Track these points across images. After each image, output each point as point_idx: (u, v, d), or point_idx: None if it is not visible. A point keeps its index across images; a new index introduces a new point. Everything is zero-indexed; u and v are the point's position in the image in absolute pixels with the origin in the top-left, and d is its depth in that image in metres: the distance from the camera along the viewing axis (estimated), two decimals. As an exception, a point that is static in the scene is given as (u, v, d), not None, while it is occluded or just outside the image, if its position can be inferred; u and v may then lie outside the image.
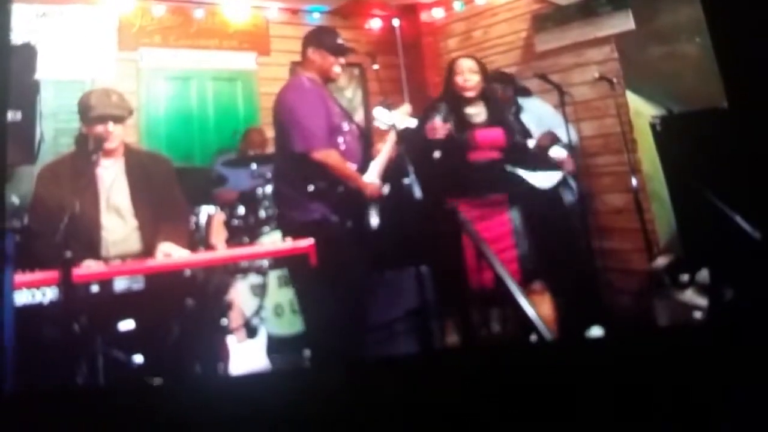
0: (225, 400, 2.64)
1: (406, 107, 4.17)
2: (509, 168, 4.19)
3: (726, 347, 2.71)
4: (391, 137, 3.98)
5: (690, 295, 3.72)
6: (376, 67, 4.60)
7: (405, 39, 6.29)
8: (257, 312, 4.14)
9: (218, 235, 4.11)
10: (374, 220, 3.80)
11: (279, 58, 5.74)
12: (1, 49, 2.95)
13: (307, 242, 3.31)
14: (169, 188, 3.62)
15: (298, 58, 4.10)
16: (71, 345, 2.88)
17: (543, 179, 4.56)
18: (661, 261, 4.15)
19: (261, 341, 4.03)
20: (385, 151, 3.96)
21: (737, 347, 2.69)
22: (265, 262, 3.37)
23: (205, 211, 4.17)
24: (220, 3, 5.72)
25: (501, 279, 3.35)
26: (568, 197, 4.67)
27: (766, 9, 3.04)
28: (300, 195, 3.74)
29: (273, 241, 4.25)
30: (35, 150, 3.28)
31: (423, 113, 4.25)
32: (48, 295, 2.94)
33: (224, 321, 3.43)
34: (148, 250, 3.40)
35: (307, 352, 4.07)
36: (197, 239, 3.93)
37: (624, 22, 5.06)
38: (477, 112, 4.16)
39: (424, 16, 6.35)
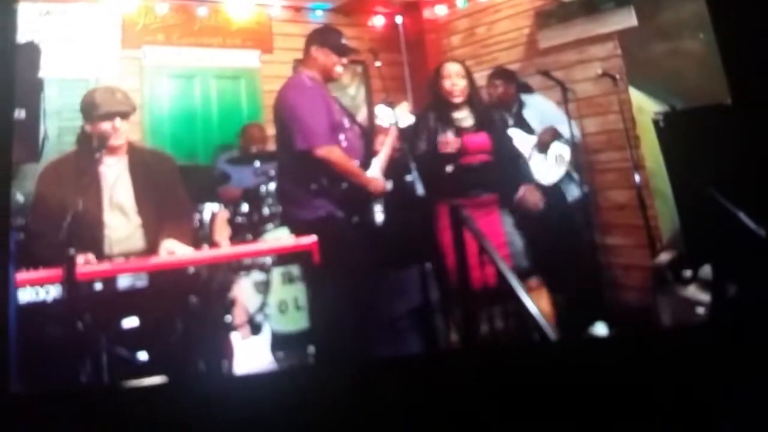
0: (230, 399, 2.64)
1: (406, 105, 4.18)
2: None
3: (728, 345, 2.71)
4: (392, 134, 3.99)
5: (693, 291, 3.71)
6: (378, 64, 4.62)
7: (408, 36, 6.30)
8: (261, 309, 4.15)
9: (222, 233, 4.12)
10: (379, 217, 3.82)
11: (282, 56, 5.75)
12: (7, 48, 2.95)
13: (310, 239, 3.32)
14: (172, 186, 3.63)
15: (301, 55, 4.10)
16: (75, 343, 2.89)
17: (546, 175, 4.58)
18: (664, 257, 4.14)
19: (265, 338, 4.04)
20: (386, 148, 3.97)
21: (739, 344, 2.70)
22: (269, 259, 3.38)
23: (209, 208, 4.18)
24: (223, 1, 5.72)
25: (503, 276, 3.35)
26: (573, 193, 4.68)
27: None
28: (304, 192, 3.75)
29: (276, 238, 4.24)
30: (39, 148, 3.29)
31: (414, 119, 4.25)
32: (51, 292, 2.97)
33: (228, 318, 3.44)
34: (151, 248, 3.41)
35: (311, 349, 4.09)
36: (201, 236, 3.93)
37: (627, 19, 5.05)
38: (464, 117, 4.15)
39: (426, 13, 6.35)
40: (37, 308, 2.94)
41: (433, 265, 3.86)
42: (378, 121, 4.11)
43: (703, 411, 2.56)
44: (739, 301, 3.20)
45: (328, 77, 3.98)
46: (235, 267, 3.37)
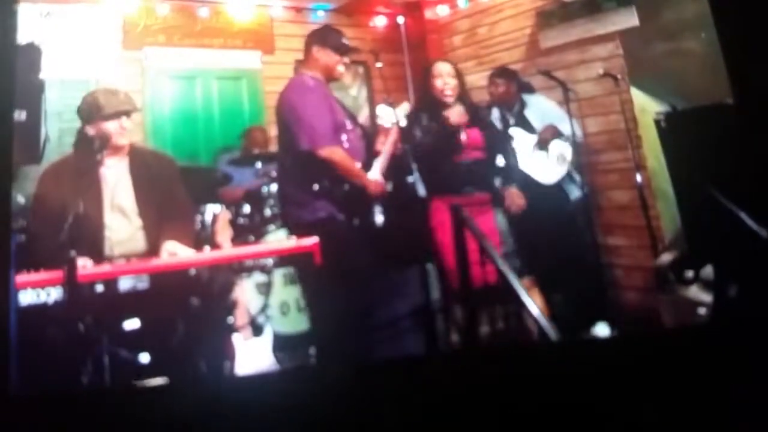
0: (231, 400, 2.64)
1: (407, 105, 4.19)
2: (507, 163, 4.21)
3: (729, 345, 2.71)
4: (393, 134, 3.99)
5: (695, 292, 3.71)
6: (380, 65, 4.61)
7: (410, 36, 6.29)
8: (263, 310, 4.15)
9: (223, 234, 4.12)
10: (380, 218, 3.81)
11: (284, 57, 5.74)
12: (8, 49, 2.95)
13: (312, 241, 3.32)
14: (173, 187, 3.63)
15: (302, 56, 4.10)
16: (76, 344, 2.89)
17: (547, 174, 4.57)
18: (666, 257, 4.14)
19: (267, 339, 4.04)
20: (387, 148, 3.97)
21: (741, 345, 2.69)
22: (270, 261, 3.38)
23: (211, 209, 4.19)
24: (224, 2, 5.72)
25: (503, 275, 3.35)
26: (574, 193, 4.68)
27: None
28: (305, 194, 3.75)
29: (278, 239, 4.24)
30: (40, 150, 3.29)
31: (410, 117, 4.25)
32: (52, 294, 2.96)
33: (230, 319, 3.44)
34: (152, 250, 3.41)
35: (312, 351, 4.09)
36: (202, 238, 3.93)
37: (628, 19, 5.05)
38: (456, 114, 4.16)
39: (428, 14, 6.35)
40: (38, 310, 2.93)
41: (433, 264, 3.87)
42: (379, 122, 4.11)
43: (706, 411, 2.56)
44: (740, 302, 3.20)
45: (330, 77, 3.98)
46: (236, 268, 3.37)
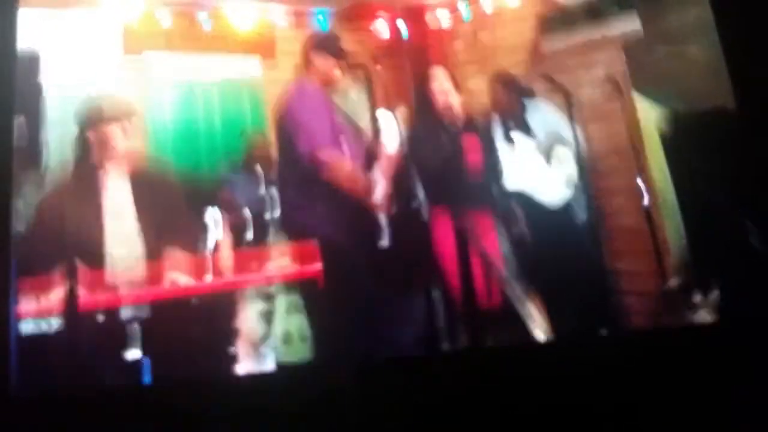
0: (232, 400, 2.64)
1: (404, 110, 4.17)
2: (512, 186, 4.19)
3: (731, 346, 2.70)
4: (394, 139, 3.97)
5: (703, 316, 3.68)
6: (379, 68, 4.60)
7: (410, 41, 6.27)
8: (265, 338, 4.11)
9: (225, 261, 4.10)
10: (384, 240, 3.78)
11: (285, 63, 5.71)
12: (8, 55, 2.95)
13: (316, 267, 3.30)
14: (175, 212, 3.60)
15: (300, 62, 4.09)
16: (76, 374, 2.88)
17: (552, 196, 4.53)
18: (674, 281, 4.12)
19: (269, 369, 4.00)
20: (387, 153, 3.93)
21: (742, 346, 2.68)
22: (273, 289, 3.36)
23: (211, 214, 4.16)
24: (225, 8, 5.70)
25: (509, 298, 3.33)
26: (581, 215, 4.62)
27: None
28: (304, 198, 3.74)
29: (280, 265, 4.21)
30: (40, 154, 3.28)
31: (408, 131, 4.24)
32: (53, 324, 2.94)
33: (231, 349, 3.41)
34: (154, 277, 3.38)
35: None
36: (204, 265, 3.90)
37: (630, 24, 5.03)
38: (455, 120, 4.15)
39: (429, 19, 6.33)
40: (40, 340, 2.91)
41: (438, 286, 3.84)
42: (379, 126, 4.10)
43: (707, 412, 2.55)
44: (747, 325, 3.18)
45: (328, 83, 3.97)
46: (238, 296, 3.35)
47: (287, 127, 3.83)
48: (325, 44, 4.01)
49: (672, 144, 3.78)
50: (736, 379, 2.61)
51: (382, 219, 3.82)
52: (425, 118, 4.21)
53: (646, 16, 4.96)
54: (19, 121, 3.10)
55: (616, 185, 5.05)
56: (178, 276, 3.31)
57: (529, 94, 4.97)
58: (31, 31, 4.72)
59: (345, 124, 3.92)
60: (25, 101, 3.18)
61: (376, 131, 4.46)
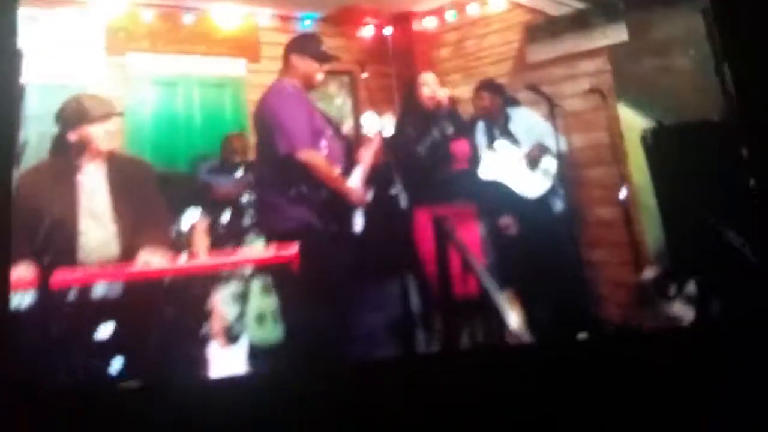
0: (213, 403, 2.61)
1: (392, 116, 4.18)
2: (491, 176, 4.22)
3: (713, 357, 2.69)
4: (374, 144, 3.98)
5: (677, 308, 3.69)
6: (365, 75, 4.58)
7: (396, 48, 6.27)
8: (238, 319, 4.10)
9: (200, 243, 4.08)
10: (358, 226, 3.79)
11: (269, 65, 5.67)
12: (7, 51, 2.92)
13: (291, 251, 3.28)
14: (149, 194, 3.58)
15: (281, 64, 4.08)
16: (48, 350, 2.85)
17: (531, 188, 4.55)
18: (649, 273, 4.13)
19: (242, 348, 3.99)
20: (367, 157, 3.95)
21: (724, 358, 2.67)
22: (248, 270, 3.35)
23: (189, 216, 4.14)
24: (210, 9, 5.68)
25: (485, 288, 3.31)
26: (557, 207, 4.66)
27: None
28: (282, 200, 3.72)
29: (258, 247, 4.20)
30: (18, 154, 3.25)
31: (396, 126, 4.25)
32: (25, 300, 2.92)
33: (204, 329, 3.40)
34: (126, 257, 3.36)
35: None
36: (179, 246, 3.89)
37: (617, 34, 5.04)
38: (445, 125, 4.17)
39: (416, 25, 6.33)
40: (10, 316, 2.88)
41: (414, 275, 3.84)
42: (364, 131, 4.09)
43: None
44: (723, 318, 3.19)
45: (309, 85, 3.96)
46: (213, 277, 3.33)
47: (265, 126, 3.82)
48: (307, 46, 3.99)
49: (655, 153, 3.77)
50: (719, 381, 2.60)
51: (359, 208, 3.82)
52: (413, 114, 4.21)
53: (633, 28, 4.96)
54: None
55: (598, 194, 5.06)
56: (152, 257, 3.28)
57: (514, 102, 4.97)
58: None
59: (325, 126, 3.90)
60: (4, 100, 3.14)
61: (359, 132, 4.47)
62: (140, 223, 3.45)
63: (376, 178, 3.92)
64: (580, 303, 4.48)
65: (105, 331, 3.07)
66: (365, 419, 2.59)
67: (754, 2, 3.00)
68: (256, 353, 4.02)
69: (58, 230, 3.16)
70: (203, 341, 3.45)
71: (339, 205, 3.77)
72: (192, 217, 4.16)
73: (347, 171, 3.89)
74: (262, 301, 4.36)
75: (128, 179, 3.55)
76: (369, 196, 3.87)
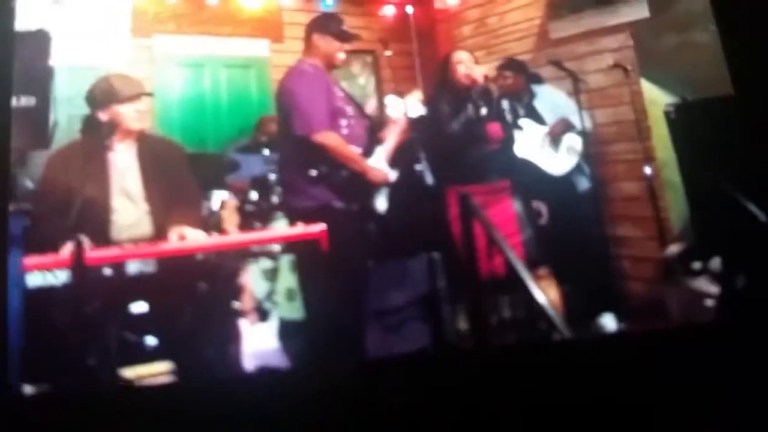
0: (233, 399, 2.65)
1: (418, 94, 4.18)
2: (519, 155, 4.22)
3: (736, 341, 2.70)
4: (400, 123, 3.99)
5: (702, 283, 3.70)
6: (388, 53, 4.59)
7: (418, 26, 6.25)
8: (269, 296, 4.15)
9: (231, 220, 4.13)
10: (381, 205, 3.81)
11: (292, 45, 5.67)
12: (7, 36, 2.96)
13: (319, 228, 3.32)
14: (180, 173, 3.65)
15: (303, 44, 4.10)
16: (83, 328, 2.91)
17: (557, 166, 4.56)
18: (674, 249, 4.14)
19: (273, 325, 4.04)
20: (392, 136, 3.96)
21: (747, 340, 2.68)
22: (277, 247, 3.39)
23: (218, 196, 4.19)
24: (234, -8, 5.71)
25: (512, 265, 3.35)
26: (582, 184, 4.67)
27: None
28: (302, 180, 3.75)
29: (285, 225, 4.24)
30: (49, 135, 3.31)
31: (428, 105, 4.25)
32: (60, 277, 2.98)
33: (235, 304, 3.45)
34: (159, 234, 3.42)
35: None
36: (210, 224, 3.94)
37: (639, 10, 5.02)
38: (480, 105, 4.15)
39: (438, 3, 6.32)
40: (46, 293, 2.95)
41: (442, 253, 3.86)
42: (388, 111, 4.11)
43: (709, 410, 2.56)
44: (748, 295, 3.19)
45: (331, 64, 3.98)
46: (243, 254, 3.38)
47: (285, 107, 3.86)
48: (328, 25, 4.01)
49: (679, 130, 3.77)
50: (741, 376, 2.61)
51: (381, 186, 3.84)
52: (448, 92, 4.21)
53: (655, 3, 4.94)
54: (28, 101, 3.13)
55: (622, 170, 5.06)
56: (184, 231, 3.34)
57: (538, 80, 4.97)
58: (40, 12, 4.78)
59: (346, 105, 3.91)
60: (35, 82, 3.20)
61: (383, 111, 4.47)
62: (172, 201, 3.51)
63: (402, 156, 3.94)
64: (604, 280, 4.51)
65: (139, 306, 3.14)
66: (378, 418, 2.62)
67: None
68: (287, 330, 4.06)
69: (91, 208, 3.22)
70: (235, 317, 3.51)
71: (359, 185, 3.80)
72: (222, 195, 4.20)
73: (369, 150, 3.92)
74: (292, 277, 4.42)
75: (159, 158, 3.61)
76: (393, 175, 3.90)
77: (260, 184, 4.70)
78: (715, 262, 3.63)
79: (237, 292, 3.48)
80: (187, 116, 5.51)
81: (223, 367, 3.36)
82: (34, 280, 2.95)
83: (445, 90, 4.25)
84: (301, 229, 3.37)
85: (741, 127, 3.17)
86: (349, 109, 3.93)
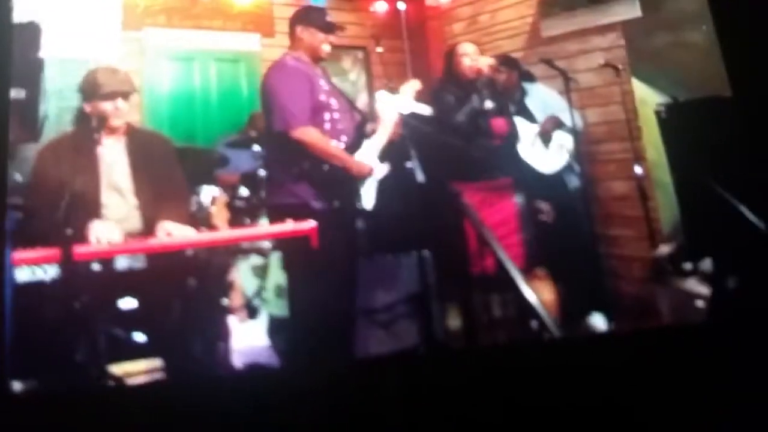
0: (225, 399, 2.63)
1: (415, 84, 4.14)
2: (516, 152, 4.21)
3: (728, 342, 2.71)
4: (390, 118, 3.96)
5: (692, 284, 3.71)
6: (380, 50, 4.57)
7: (410, 23, 6.24)
8: (258, 293, 4.14)
9: (220, 216, 4.11)
10: (368, 201, 3.78)
11: (283, 40, 5.61)
12: (3, 28, 2.94)
13: (309, 225, 3.31)
14: (169, 167, 3.63)
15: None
16: (71, 322, 2.90)
17: (547, 164, 4.56)
18: (664, 249, 4.15)
19: (262, 322, 4.03)
20: (382, 131, 3.93)
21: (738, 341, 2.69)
22: (267, 244, 3.37)
23: (207, 191, 4.17)
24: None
25: (502, 264, 3.34)
26: (573, 182, 4.68)
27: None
28: (284, 177, 3.73)
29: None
30: (39, 128, 3.29)
31: (433, 96, 4.23)
32: (49, 272, 2.96)
33: (225, 301, 3.44)
34: (148, 229, 3.41)
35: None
36: (199, 219, 3.92)
37: (631, 9, 5.02)
38: (485, 99, 4.13)
39: (429, 0, 6.31)
40: (34, 288, 2.93)
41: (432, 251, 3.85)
42: (379, 106, 4.08)
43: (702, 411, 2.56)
44: (738, 295, 3.20)
45: (316, 57, 3.94)
46: (233, 250, 3.36)
47: (266, 103, 3.84)
48: (311, 17, 3.97)
49: (670, 129, 3.78)
50: (734, 376, 2.62)
51: (367, 183, 3.83)
52: (453, 84, 4.19)
53: (646, 2, 4.95)
54: (18, 94, 3.10)
55: (612, 170, 5.07)
56: (173, 227, 3.32)
57: (530, 77, 4.97)
58: (31, 4, 4.74)
59: (332, 99, 3.88)
60: (25, 74, 3.17)
61: (373, 107, 4.44)
62: (161, 196, 3.50)
63: (394, 153, 3.92)
64: (594, 280, 4.51)
65: (128, 302, 3.12)
66: (367, 416, 2.61)
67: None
68: (276, 327, 4.06)
69: (81, 202, 3.20)
70: (224, 313, 3.50)
71: (342, 181, 3.77)
72: (212, 191, 4.18)
73: (356, 144, 3.89)
74: (281, 274, 4.41)
75: (148, 153, 3.59)
76: (381, 170, 3.87)
77: (250, 179, 4.68)
78: (706, 263, 3.64)
79: (226, 288, 3.47)
80: (176, 110, 5.48)
81: (211, 364, 3.34)
82: (23, 275, 2.93)
83: (449, 82, 4.23)
84: (291, 225, 3.34)
85: (732, 128, 3.17)
86: (335, 103, 3.89)
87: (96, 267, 3.05)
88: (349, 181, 3.78)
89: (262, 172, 4.66)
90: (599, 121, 5.15)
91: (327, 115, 3.81)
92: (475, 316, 3.90)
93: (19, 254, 2.91)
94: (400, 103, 4.00)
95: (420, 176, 3.58)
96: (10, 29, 2.96)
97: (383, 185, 3.89)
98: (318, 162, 3.70)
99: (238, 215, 4.44)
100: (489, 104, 4.13)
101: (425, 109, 4.22)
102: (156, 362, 3.14)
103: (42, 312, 2.92)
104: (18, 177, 3.58)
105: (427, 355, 3.78)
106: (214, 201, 4.11)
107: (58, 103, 4.38)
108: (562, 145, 4.69)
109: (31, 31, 3.28)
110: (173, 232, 3.31)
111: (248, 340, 3.84)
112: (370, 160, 3.85)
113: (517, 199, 4.06)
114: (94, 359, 2.93)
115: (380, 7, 6.20)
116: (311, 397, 2.58)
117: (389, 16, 6.19)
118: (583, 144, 4.84)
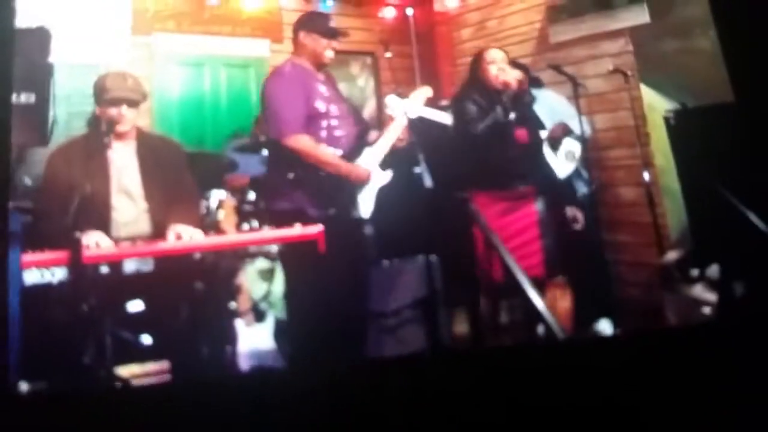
0: (229, 400, 2.63)
1: (426, 91, 4.12)
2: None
3: (735, 345, 2.70)
4: (397, 124, 3.95)
5: (699, 291, 3.70)
6: (388, 55, 4.57)
7: (418, 28, 6.25)
8: (265, 297, 4.15)
9: (228, 220, 4.12)
10: (365, 208, 3.77)
11: (292, 46, 5.72)
12: (6, 33, 2.95)
13: (317, 229, 3.31)
14: (179, 172, 3.65)
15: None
16: (79, 325, 2.91)
17: (556, 171, 4.56)
18: (672, 255, 4.14)
19: (269, 325, 4.03)
20: (387, 138, 3.92)
21: (746, 345, 2.68)
22: (274, 248, 3.38)
23: (216, 195, 4.18)
24: (234, -8, 5.70)
25: (510, 270, 3.34)
26: (581, 189, 4.67)
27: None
28: (282, 183, 3.73)
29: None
30: (48, 132, 3.30)
31: (454, 103, 4.20)
32: (57, 275, 2.98)
33: (232, 304, 3.45)
34: (157, 233, 3.42)
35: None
36: (207, 223, 3.93)
37: (639, 15, 5.02)
38: (509, 111, 4.04)
39: (437, 6, 6.32)
40: (43, 290, 2.95)
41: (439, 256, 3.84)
42: (388, 112, 4.08)
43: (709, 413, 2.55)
44: (746, 301, 3.19)
45: (319, 63, 3.93)
46: (240, 254, 3.37)
47: (264, 110, 3.87)
48: (314, 23, 3.95)
49: (678, 136, 3.77)
50: (739, 378, 2.61)
51: (369, 189, 3.83)
52: (477, 92, 4.12)
53: (655, 8, 4.94)
54: (27, 98, 3.12)
55: (621, 176, 5.07)
56: (183, 229, 3.33)
57: (538, 83, 4.96)
58: (41, 9, 4.77)
59: (332, 106, 3.86)
60: (34, 78, 3.19)
61: (382, 113, 4.43)
62: (170, 199, 3.51)
63: (402, 159, 3.91)
64: (601, 286, 4.50)
65: (135, 305, 3.14)
66: (374, 419, 2.61)
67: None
68: (282, 330, 4.06)
69: (90, 206, 3.22)
70: (231, 317, 3.51)
71: (337, 188, 3.76)
72: (220, 195, 4.19)
73: (357, 152, 3.88)
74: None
75: (158, 157, 3.61)
76: (386, 176, 3.86)
77: (258, 184, 4.69)
78: (713, 270, 3.63)
79: (234, 292, 3.48)
80: (186, 115, 5.51)
81: (218, 367, 3.35)
82: (32, 277, 2.94)
83: (473, 88, 4.15)
84: (299, 230, 3.35)
85: (740, 135, 3.16)
86: (335, 110, 3.87)
87: (104, 270, 3.07)
88: (346, 188, 3.77)
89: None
90: (608, 127, 5.15)
91: (324, 123, 3.79)
92: (483, 321, 3.89)
93: (28, 257, 2.93)
94: (410, 108, 3.99)
95: (428, 182, 3.57)
96: (13, 33, 2.97)
97: (391, 190, 3.88)
98: (313, 169, 3.69)
99: (246, 219, 4.45)
100: (512, 116, 4.03)
101: (442, 116, 4.19)
102: (163, 364, 3.14)
103: (50, 314, 2.93)
104: (27, 180, 3.61)
105: (431, 356, 3.78)
106: (221, 204, 4.11)
107: (67, 108, 4.41)
108: (571, 152, 4.68)
109: (41, 36, 3.29)
110: (183, 235, 3.32)
111: (255, 343, 3.84)
112: (371, 167, 3.84)
113: (538, 207, 4.00)
114: (102, 361, 2.94)
115: (388, 13, 6.22)
116: (317, 399, 2.58)
117: (397, 22, 6.21)
118: (591, 150, 4.83)
